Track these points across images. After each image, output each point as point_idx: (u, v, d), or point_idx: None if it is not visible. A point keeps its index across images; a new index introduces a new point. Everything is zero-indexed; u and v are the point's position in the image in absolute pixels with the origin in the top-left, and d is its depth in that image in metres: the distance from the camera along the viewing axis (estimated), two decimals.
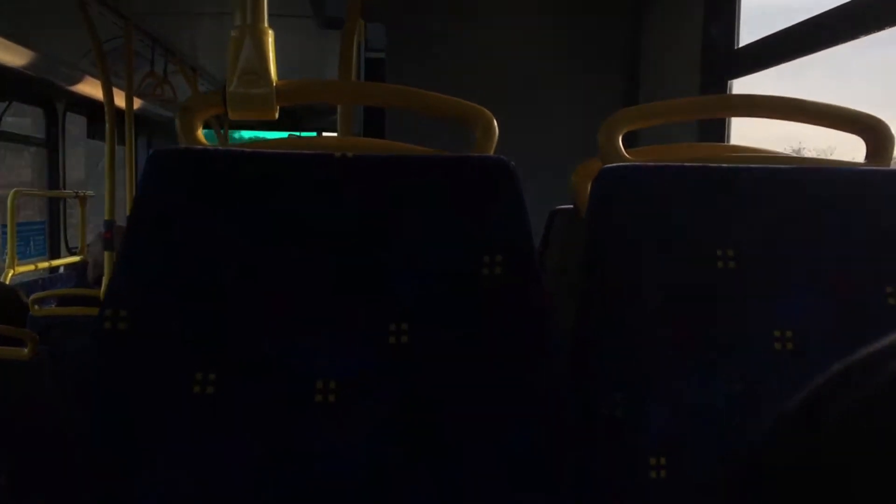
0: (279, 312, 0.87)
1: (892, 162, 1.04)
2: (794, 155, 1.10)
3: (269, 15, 0.93)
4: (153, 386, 0.83)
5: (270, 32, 0.92)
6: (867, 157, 1.03)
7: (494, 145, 0.97)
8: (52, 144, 4.17)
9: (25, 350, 2.10)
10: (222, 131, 5.38)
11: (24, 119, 4.40)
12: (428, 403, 0.88)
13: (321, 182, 0.89)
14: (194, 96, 0.99)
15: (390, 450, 0.86)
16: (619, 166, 0.96)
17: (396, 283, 0.89)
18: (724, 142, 1.98)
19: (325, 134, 6.33)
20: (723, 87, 2.00)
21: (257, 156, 0.89)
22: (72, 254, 4.39)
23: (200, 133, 0.94)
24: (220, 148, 0.91)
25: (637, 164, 0.97)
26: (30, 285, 3.81)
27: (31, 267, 3.97)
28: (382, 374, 0.87)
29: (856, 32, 1.51)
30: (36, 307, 2.84)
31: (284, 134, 5.45)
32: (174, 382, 0.83)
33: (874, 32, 1.44)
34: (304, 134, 5.85)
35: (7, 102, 3.78)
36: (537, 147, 2.37)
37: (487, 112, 0.97)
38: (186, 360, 0.84)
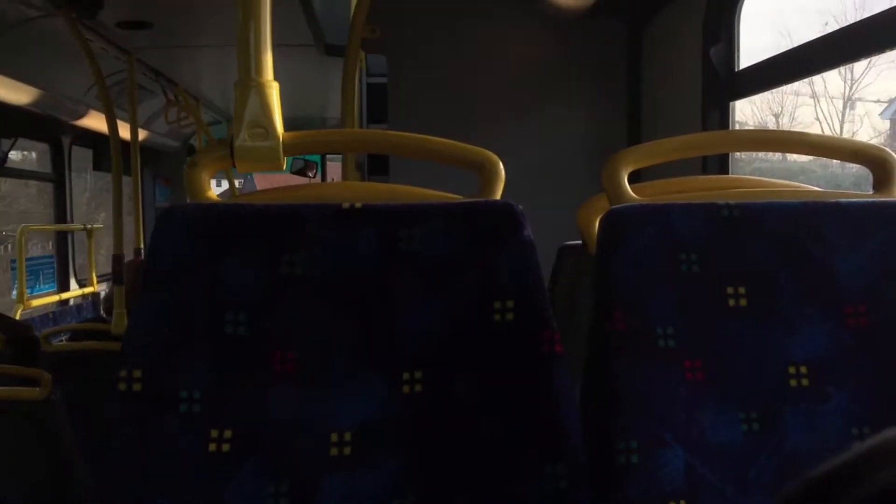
0: (293, 366, 0.87)
1: None
2: (799, 186, 1.10)
3: (272, 45, 0.94)
4: (169, 446, 0.84)
5: (275, 85, 0.93)
6: (874, 188, 1.03)
7: (501, 188, 0.97)
8: (58, 178, 4.20)
9: (38, 390, 2.10)
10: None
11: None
12: (442, 452, 0.88)
13: (330, 233, 0.90)
14: (202, 151, 0.99)
15: (405, 501, 0.86)
16: (626, 206, 0.96)
17: (409, 332, 0.89)
18: (727, 164, 1.99)
19: (328, 158, 6.35)
20: (725, 109, 2.01)
21: (266, 210, 0.90)
22: (81, 286, 4.41)
23: (209, 188, 0.95)
24: (229, 203, 0.92)
25: (643, 203, 0.97)
26: (40, 319, 3.82)
27: (42, 301, 3.99)
28: (398, 424, 0.87)
29: (856, 54, 1.51)
30: (47, 342, 2.84)
31: (289, 160, 5.46)
32: (190, 441, 0.84)
33: (875, 55, 1.45)
34: (309, 158, 5.86)
35: (13, 139, 3.81)
36: (541, 176, 2.38)
37: (492, 156, 0.98)
38: (201, 419, 0.84)
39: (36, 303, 3.85)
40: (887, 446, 0.35)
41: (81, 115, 3.92)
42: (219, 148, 0.95)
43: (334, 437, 0.86)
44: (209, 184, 0.95)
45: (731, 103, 1.99)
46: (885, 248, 0.96)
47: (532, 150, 2.47)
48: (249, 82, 0.91)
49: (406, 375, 0.88)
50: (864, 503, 0.33)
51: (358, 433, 0.86)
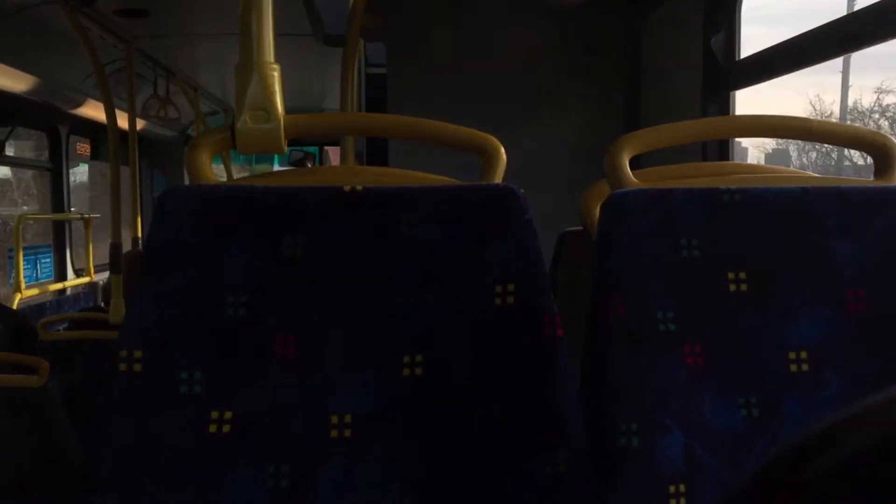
0: (293, 349, 0.87)
1: None
2: (800, 172, 1.10)
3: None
4: (169, 427, 0.83)
5: (277, 67, 0.92)
6: (875, 174, 1.03)
7: (502, 173, 0.97)
8: (56, 168, 4.19)
9: (36, 377, 2.10)
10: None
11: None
12: (442, 436, 0.88)
13: (331, 216, 0.89)
14: (203, 133, 0.99)
15: (405, 484, 0.86)
16: (627, 191, 0.96)
17: (410, 316, 0.89)
18: (728, 151, 1.99)
19: (327, 147, 6.33)
20: (725, 98, 2.00)
21: (267, 192, 0.90)
22: (78, 276, 4.40)
23: (210, 170, 0.95)
24: (230, 184, 0.92)
25: (645, 188, 0.97)
26: (38, 309, 3.82)
27: (38, 290, 3.98)
28: (398, 407, 0.87)
29: (856, 44, 1.51)
30: (45, 331, 2.83)
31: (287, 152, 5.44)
32: (190, 423, 0.83)
33: (876, 44, 1.44)
34: (307, 148, 5.84)
35: (10, 127, 3.80)
36: (543, 165, 2.38)
37: (494, 140, 0.97)
38: (202, 400, 0.84)
39: (33, 292, 3.84)
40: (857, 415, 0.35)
41: (79, 104, 3.91)
42: (220, 130, 0.95)
43: (334, 420, 0.86)
44: (209, 166, 0.95)
45: (732, 93, 1.99)
46: (885, 234, 0.96)
47: (533, 138, 2.47)
48: (251, 65, 0.91)
49: (406, 359, 0.88)
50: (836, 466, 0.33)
51: (358, 416, 0.86)
